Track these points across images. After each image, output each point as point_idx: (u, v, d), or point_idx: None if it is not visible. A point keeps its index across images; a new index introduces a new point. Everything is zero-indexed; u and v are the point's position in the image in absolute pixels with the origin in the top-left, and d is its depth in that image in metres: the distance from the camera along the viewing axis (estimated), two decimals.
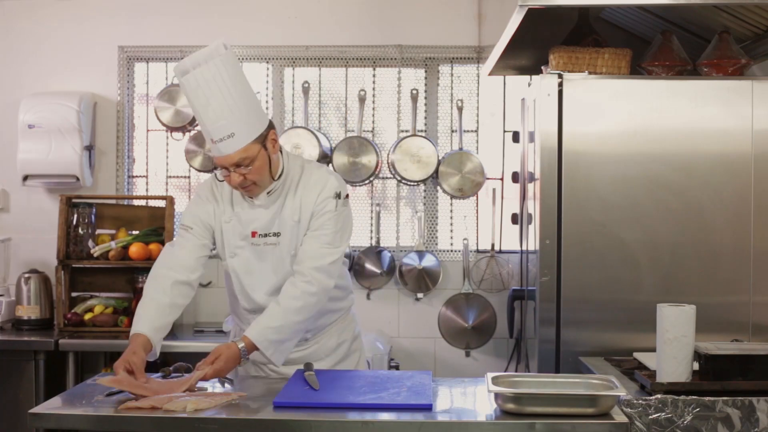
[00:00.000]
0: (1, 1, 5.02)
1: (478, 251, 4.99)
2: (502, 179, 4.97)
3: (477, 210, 5.03)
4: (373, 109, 5.03)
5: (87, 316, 4.63)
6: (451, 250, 5.01)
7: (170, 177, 5.10)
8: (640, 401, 2.61)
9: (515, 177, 4.18)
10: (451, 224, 5.04)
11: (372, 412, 2.54)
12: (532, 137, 3.81)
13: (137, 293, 4.67)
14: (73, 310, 4.65)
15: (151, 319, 2.96)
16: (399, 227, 5.02)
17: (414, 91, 4.95)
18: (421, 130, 4.97)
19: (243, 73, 2.92)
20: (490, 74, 4.70)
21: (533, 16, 3.33)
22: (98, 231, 4.77)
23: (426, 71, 5.03)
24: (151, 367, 4.12)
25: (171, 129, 5.01)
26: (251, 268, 3.08)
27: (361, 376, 2.97)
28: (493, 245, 4.93)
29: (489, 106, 5.05)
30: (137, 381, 2.76)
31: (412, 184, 4.95)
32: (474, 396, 2.84)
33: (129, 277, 4.77)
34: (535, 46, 4.15)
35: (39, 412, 2.55)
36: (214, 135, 2.87)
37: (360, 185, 4.98)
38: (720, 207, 3.57)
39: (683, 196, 3.58)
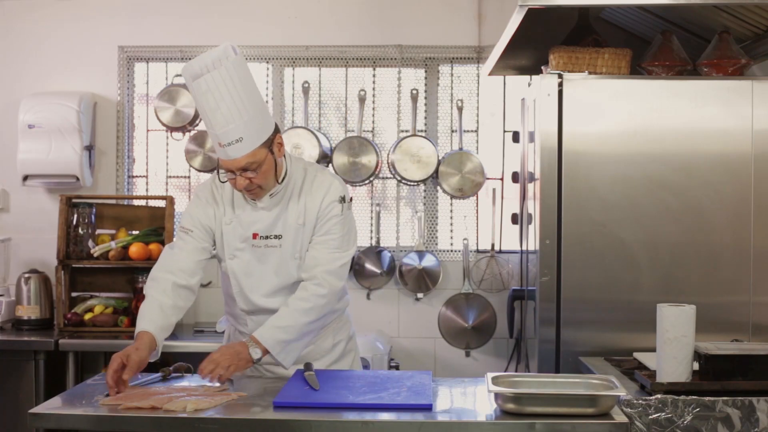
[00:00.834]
0: (1, 1, 5.02)
1: (478, 251, 4.99)
2: (502, 179, 4.97)
3: (477, 210, 5.03)
4: (373, 109, 5.03)
5: (87, 316, 4.63)
6: (451, 250, 5.01)
7: (170, 177, 5.10)
8: (640, 401, 2.61)
9: (515, 177, 4.18)
10: (451, 224, 5.04)
11: (372, 412, 2.54)
12: (532, 137, 3.81)
13: (137, 293, 4.67)
14: (73, 310, 4.65)
15: (155, 318, 2.96)
16: (399, 227, 5.02)
17: (414, 91, 4.95)
18: (421, 130, 4.97)
19: (252, 77, 2.92)
20: (490, 74, 4.70)
21: (533, 16, 3.32)
22: (98, 231, 4.77)
23: (426, 71, 5.03)
24: (150, 367, 4.12)
25: (171, 129, 5.01)
26: (251, 269, 3.09)
27: (361, 376, 2.97)
28: (493, 245, 4.93)
29: (489, 106, 5.05)
30: (135, 393, 2.74)
31: (412, 184, 4.96)
32: (474, 396, 2.84)
33: (129, 277, 4.77)
34: (535, 46, 4.15)
35: (39, 412, 2.55)
36: (223, 139, 2.85)
37: (360, 185, 4.98)
38: (720, 207, 3.57)
39: (683, 196, 3.58)
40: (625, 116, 3.59)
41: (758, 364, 2.77)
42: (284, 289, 3.09)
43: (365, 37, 4.95)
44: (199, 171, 4.96)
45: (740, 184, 3.57)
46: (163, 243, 4.68)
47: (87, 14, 5.02)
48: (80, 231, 4.66)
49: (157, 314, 2.96)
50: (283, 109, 5.05)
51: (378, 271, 4.95)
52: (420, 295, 4.95)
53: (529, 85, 4.09)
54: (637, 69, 3.88)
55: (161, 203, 4.84)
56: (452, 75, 5.03)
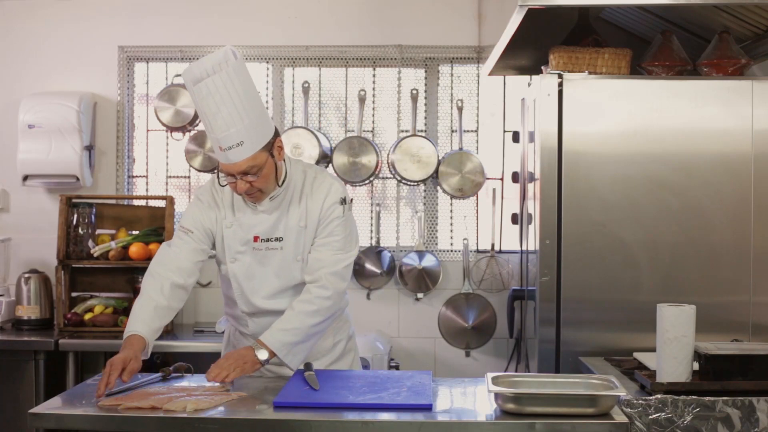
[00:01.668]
0: (1, 1, 5.02)
1: (478, 251, 4.99)
2: (502, 179, 4.97)
3: (477, 210, 5.03)
4: (373, 109, 5.03)
5: (87, 316, 4.63)
6: (451, 250, 5.01)
7: (170, 177, 5.10)
8: (640, 401, 2.61)
9: (515, 177, 4.18)
10: (451, 224, 5.04)
11: (372, 412, 2.54)
12: (532, 137, 3.81)
13: (137, 293, 4.61)
14: (73, 310, 4.65)
15: (148, 320, 2.95)
16: (399, 227, 5.02)
17: (414, 91, 4.95)
18: (421, 130, 4.97)
19: (252, 81, 2.91)
20: (490, 74, 4.70)
21: (533, 16, 3.32)
22: (98, 231, 4.77)
23: (426, 71, 5.03)
24: (150, 367, 4.12)
25: (171, 129, 5.01)
26: (252, 272, 3.09)
27: (361, 376, 2.97)
28: (493, 245, 4.93)
29: (489, 106, 5.05)
30: (135, 393, 2.74)
31: (412, 184, 4.96)
32: (474, 396, 2.84)
33: (129, 277, 4.77)
34: (535, 46, 4.15)
35: (39, 412, 2.55)
36: (223, 143, 2.84)
37: (360, 185, 4.98)
38: (720, 207, 3.57)
39: (683, 196, 3.58)
40: (625, 116, 3.59)
41: (758, 364, 2.77)
42: (286, 291, 3.10)
43: (365, 37, 4.95)
44: (199, 171, 4.96)
45: (740, 184, 3.57)
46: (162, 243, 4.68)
47: (87, 14, 5.02)
48: (80, 231, 4.66)
49: (150, 316, 2.96)
50: (283, 109, 5.05)
51: (378, 271, 4.95)
52: (420, 295, 4.95)
53: (529, 85, 4.09)
54: (637, 69, 3.88)
55: (161, 203, 4.84)
56: (452, 75, 5.03)
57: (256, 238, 3.07)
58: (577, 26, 4.12)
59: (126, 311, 4.69)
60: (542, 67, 4.00)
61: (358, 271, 4.94)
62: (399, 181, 4.97)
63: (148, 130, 5.10)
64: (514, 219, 4.19)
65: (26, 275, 4.75)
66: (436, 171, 4.88)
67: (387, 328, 4.95)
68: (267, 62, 5.05)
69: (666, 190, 3.58)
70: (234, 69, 2.81)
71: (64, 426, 2.53)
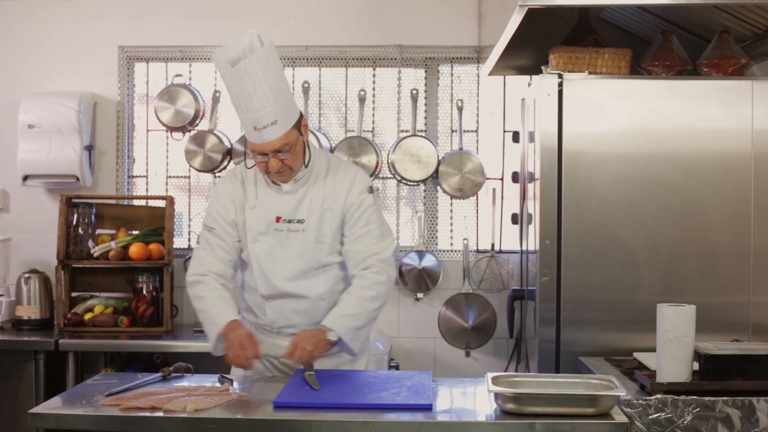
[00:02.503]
0: (1, 1, 5.02)
1: (478, 251, 4.98)
2: (502, 179, 4.97)
3: (477, 210, 5.03)
4: (373, 109, 5.03)
5: (87, 316, 4.63)
6: (451, 250, 5.01)
7: (170, 177, 5.10)
8: (640, 401, 2.61)
9: (515, 177, 4.18)
10: (451, 224, 5.04)
11: (372, 412, 2.54)
12: (532, 137, 3.81)
13: (137, 293, 4.67)
14: (73, 310, 4.65)
15: (227, 309, 3.05)
16: (399, 227, 5.02)
17: (414, 91, 4.95)
18: (421, 130, 4.97)
19: (280, 62, 3.02)
20: (490, 74, 4.70)
21: (533, 16, 3.32)
22: (98, 231, 4.77)
23: (426, 71, 5.03)
24: (150, 367, 4.12)
25: (171, 129, 5.01)
26: (274, 253, 3.12)
27: (361, 376, 2.97)
28: (493, 245, 4.93)
29: (489, 106, 5.05)
30: (135, 393, 2.75)
31: (412, 184, 4.95)
32: (474, 396, 2.84)
33: (129, 277, 4.77)
34: (535, 46, 4.15)
35: (39, 412, 2.55)
36: (258, 122, 2.93)
37: None
38: (720, 207, 3.57)
39: (683, 196, 3.58)
40: (625, 116, 3.59)
41: (758, 364, 2.77)
42: (307, 273, 3.12)
43: (365, 37, 4.95)
44: (199, 171, 4.95)
45: (740, 184, 3.57)
46: (163, 243, 4.68)
47: (87, 14, 5.01)
48: (80, 231, 4.67)
49: (226, 306, 3.06)
50: None
51: None
52: (420, 295, 4.95)
53: (529, 85, 4.09)
54: (637, 69, 3.88)
55: (161, 203, 4.84)
56: (452, 75, 5.03)
57: (278, 219, 3.12)
58: (577, 26, 4.12)
59: (126, 311, 4.69)
60: (542, 67, 4.00)
61: None
62: (399, 181, 4.96)
63: (148, 130, 5.09)
64: (514, 219, 4.19)
65: (26, 275, 4.75)
66: (436, 171, 4.88)
67: (387, 328, 4.95)
68: None
69: (666, 190, 3.58)
70: (267, 50, 2.92)
71: (64, 426, 2.54)
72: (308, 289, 3.11)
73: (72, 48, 5.02)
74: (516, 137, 4.17)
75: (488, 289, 4.93)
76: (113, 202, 4.94)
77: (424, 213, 5.00)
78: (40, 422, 2.54)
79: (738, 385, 2.74)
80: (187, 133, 5.00)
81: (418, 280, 4.94)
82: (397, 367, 4.62)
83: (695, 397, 2.62)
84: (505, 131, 4.98)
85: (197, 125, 5.00)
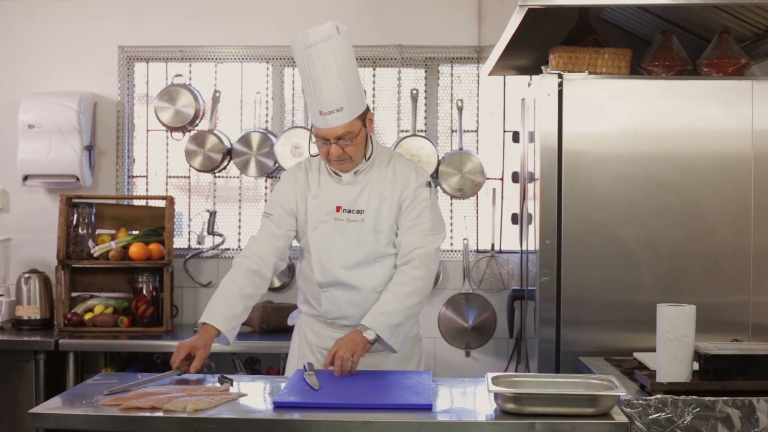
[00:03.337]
0: (1, 1, 5.02)
1: (478, 251, 4.98)
2: (502, 179, 4.97)
3: (477, 210, 5.03)
4: (373, 109, 5.03)
5: (87, 316, 4.63)
6: (451, 250, 5.01)
7: (170, 177, 5.10)
8: (640, 401, 2.61)
9: (515, 177, 4.18)
10: (451, 224, 5.03)
11: (372, 412, 2.54)
12: (532, 137, 3.81)
13: (137, 293, 4.68)
14: (73, 310, 4.65)
15: (220, 310, 3.10)
16: None
17: (414, 91, 4.95)
18: (421, 130, 4.97)
19: (353, 54, 3.10)
20: (490, 74, 4.70)
21: (533, 16, 3.32)
22: (98, 231, 4.77)
23: (426, 71, 5.03)
24: (150, 367, 4.12)
25: (171, 129, 5.00)
26: (333, 241, 3.18)
27: (361, 376, 2.97)
28: (493, 245, 4.93)
29: (489, 106, 5.05)
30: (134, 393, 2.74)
31: None
32: (474, 396, 2.84)
33: (129, 277, 4.77)
34: (535, 46, 4.15)
35: (39, 412, 2.55)
36: (325, 107, 3.02)
37: None
38: (720, 207, 3.57)
39: (683, 196, 3.58)
40: (625, 116, 3.59)
41: (758, 364, 2.77)
42: (363, 263, 3.17)
43: (365, 37, 4.95)
44: (199, 171, 4.95)
45: (740, 184, 3.57)
46: (163, 243, 4.68)
47: (87, 14, 5.01)
48: (80, 231, 4.67)
49: (223, 306, 3.11)
50: (283, 109, 5.04)
51: None
52: None
53: (529, 85, 4.09)
54: (637, 69, 3.88)
55: (161, 203, 4.84)
56: (452, 75, 5.03)
57: (338, 209, 3.18)
58: (577, 26, 4.12)
59: (126, 311, 4.70)
60: (542, 67, 4.00)
61: None
62: None
63: (148, 130, 5.09)
64: (514, 219, 4.19)
65: (26, 275, 4.75)
66: (436, 171, 4.88)
67: None
68: (267, 62, 5.05)
69: (666, 190, 3.58)
70: (343, 39, 3.02)
71: (64, 426, 2.54)
72: (363, 279, 3.16)
73: (72, 48, 5.02)
74: (516, 137, 4.17)
75: (488, 289, 4.93)
76: (113, 202, 4.94)
77: None
78: (40, 422, 2.54)
79: (738, 385, 2.74)
80: (187, 133, 5.00)
81: None
82: None
83: (695, 397, 2.62)
84: (505, 131, 4.98)
85: (197, 125, 5.00)
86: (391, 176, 3.20)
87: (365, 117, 3.14)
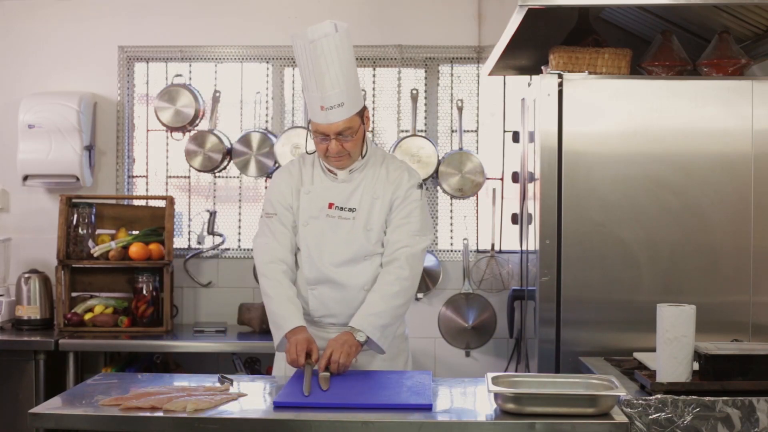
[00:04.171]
0: (1, 1, 5.02)
1: (478, 251, 4.98)
2: (502, 179, 4.97)
3: (477, 210, 5.03)
4: (373, 109, 5.03)
5: (87, 316, 4.63)
6: (451, 250, 5.01)
7: (170, 177, 5.09)
8: (640, 401, 2.61)
9: (515, 177, 4.18)
10: (451, 224, 5.04)
11: (372, 412, 2.54)
12: (532, 137, 3.81)
13: (137, 293, 4.67)
14: (73, 310, 4.65)
15: (293, 312, 3.10)
16: None
17: (414, 91, 4.95)
18: (421, 130, 4.97)
19: (353, 51, 3.12)
20: (490, 74, 4.70)
21: (533, 16, 3.32)
22: (98, 231, 4.77)
23: (426, 71, 5.03)
24: (150, 367, 4.12)
25: (171, 129, 5.00)
26: (323, 237, 3.19)
27: (361, 376, 2.97)
28: (493, 245, 4.93)
29: (489, 106, 5.05)
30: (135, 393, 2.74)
31: None
32: (474, 396, 2.84)
33: (129, 277, 4.77)
34: (535, 46, 4.15)
35: (39, 412, 2.55)
36: (326, 102, 3.03)
37: None
38: (720, 207, 3.57)
39: (683, 196, 3.58)
40: (625, 116, 3.59)
41: (758, 364, 2.77)
42: (352, 261, 3.18)
43: (365, 37, 4.95)
44: (199, 171, 4.95)
45: (740, 184, 3.57)
46: (163, 243, 4.68)
47: (87, 14, 5.01)
48: (80, 231, 4.67)
49: (293, 308, 3.11)
50: (283, 109, 5.04)
51: None
52: (420, 295, 4.94)
53: (529, 85, 4.08)
54: (637, 69, 3.88)
55: (161, 203, 4.84)
56: (452, 75, 5.03)
57: (330, 205, 3.19)
58: (577, 26, 4.12)
59: (126, 311, 4.69)
60: (542, 67, 4.00)
61: None
62: None
63: (148, 130, 5.09)
64: (514, 219, 4.19)
65: (26, 275, 4.75)
66: (436, 171, 4.88)
67: None
68: (267, 62, 5.05)
69: (666, 190, 3.58)
70: (345, 35, 3.04)
71: (64, 426, 2.54)
72: (351, 277, 3.17)
73: (72, 48, 5.02)
74: (516, 137, 4.17)
75: (488, 289, 4.93)
76: (113, 202, 4.94)
77: None
78: (40, 422, 2.54)
79: (738, 385, 2.74)
80: (187, 133, 5.00)
81: None
82: None
83: (695, 397, 2.62)
84: (505, 131, 4.98)
85: (197, 125, 5.00)
86: (384, 176, 3.22)
87: (363, 114, 3.16)
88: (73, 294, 4.76)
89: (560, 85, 3.59)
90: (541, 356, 3.62)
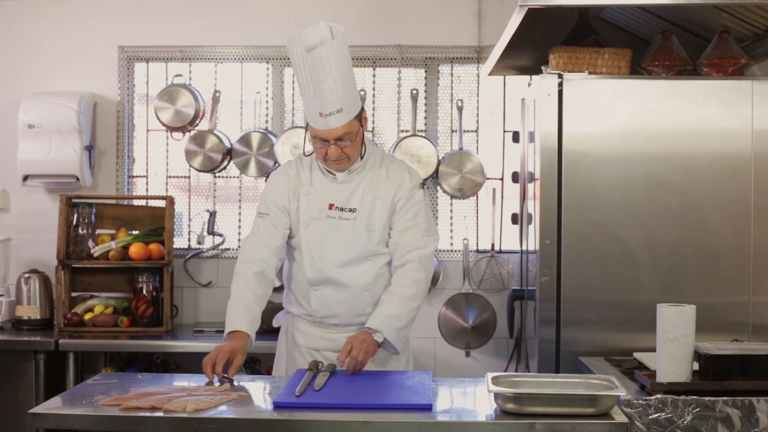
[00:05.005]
0: (1, 1, 5.02)
1: (478, 251, 4.98)
2: (502, 179, 4.97)
3: (477, 210, 5.03)
4: (373, 109, 5.03)
5: (87, 316, 4.63)
6: (451, 250, 5.01)
7: (170, 177, 5.09)
8: (640, 401, 2.61)
9: (515, 177, 4.18)
10: (451, 224, 5.04)
11: (372, 412, 2.54)
12: (532, 137, 3.81)
13: (137, 293, 4.67)
14: (73, 310, 4.65)
15: (242, 315, 3.09)
16: None
17: (414, 91, 4.95)
18: (421, 130, 4.97)
19: (350, 55, 3.12)
20: (490, 74, 4.70)
21: (533, 16, 3.33)
22: (98, 231, 4.77)
23: (426, 71, 5.03)
24: (150, 367, 4.12)
25: (171, 129, 5.00)
26: (324, 238, 3.19)
27: (361, 376, 2.97)
28: (493, 245, 4.93)
29: (489, 106, 5.05)
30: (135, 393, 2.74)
31: None
32: (474, 396, 2.84)
33: (129, 277, 4.77)
34: (535, 46, 4.15)
35: (39, 412, 2.55)
36: (325, 109, 3.03)
37: None
38: (720, 207, 3.57)
39: (683, 196, 3.58)
40: (625, 116, 3.59)
41: (758, 364, 2.77)
42: (354, 261, 3.18)
43: (365, 37, 4.95)
44: (199, 171, 4.95)
45: (740, 184, 3.57)
46: (163, 243, 4.68)
47: (87, 14, 5.01)
48: (80, 231, 4.67)
49: (243, 311, 3.09)
50: (283, 109, 5.04)
51: None
52: None
53: (529, 85, 4.08)
54: (637, 69, 3.88)
55: (161, 203, 4.84)
56: (452, 75, 5.03)
57: (331, 206, 3.19)
58: (577, 26, 4.12)
59: (126, 311, 4.69)
60: (542, 67, 4.00)
61: None
62: None
63: (148, 130, 5.09)
64: (514, 219, 4.19)
65: (26, 275, 4.75)
66: (436, 171, 4.88)
67: None
68: (267, 62, 5.05)
69: (666, 190, 3.58)
70: (342, 40, 3.03)
71: (64, 426, 2.54)
72: (353, 277, 3.17)
73: (72, 48, 5.01)
74: (516, 137, 4.17)
75: (488, 289, 4.93)
76: (113, 202, 4.94)
77: None
78: (40, 422, 2.54)
79: (738, 385, 2.74)
80: (187, 133, 5.00)
81: None
82: None
83: (695, 397, 2.62)
84: (505, 131, 4.98)
85: (197, 125, 5.00)
86: (384, 176, 3.22)
87: (361, 116, 3.16)
88: (73, 294, 4.76)
89: (560, 85, 3.59)
90: (541, 356, 3.62)
